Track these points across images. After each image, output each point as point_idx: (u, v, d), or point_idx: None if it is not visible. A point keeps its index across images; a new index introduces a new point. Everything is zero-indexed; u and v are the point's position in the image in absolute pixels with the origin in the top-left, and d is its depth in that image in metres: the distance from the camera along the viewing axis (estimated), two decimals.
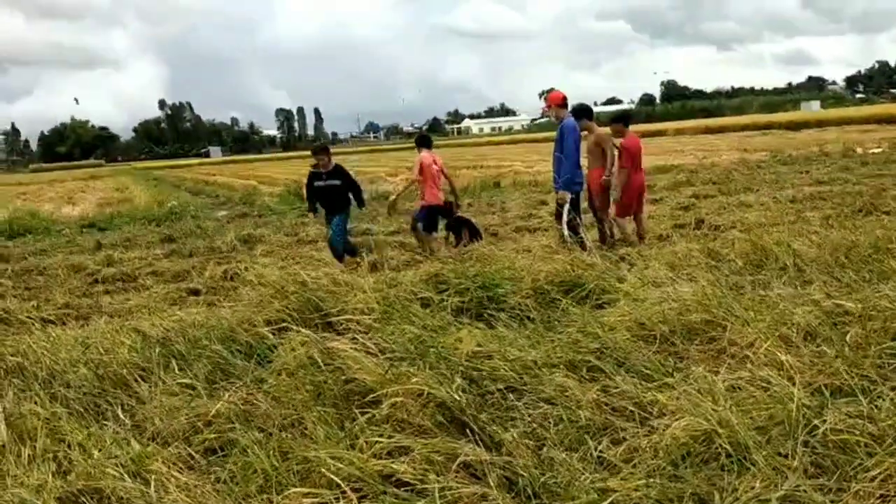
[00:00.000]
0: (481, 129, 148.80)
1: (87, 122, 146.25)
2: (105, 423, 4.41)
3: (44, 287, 10.59)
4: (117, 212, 21.30)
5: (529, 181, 21.58)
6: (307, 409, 4.18)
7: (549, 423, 3.85)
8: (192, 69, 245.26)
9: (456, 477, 3.30)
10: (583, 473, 3.35)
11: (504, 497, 3.14)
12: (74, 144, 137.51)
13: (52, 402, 4.65)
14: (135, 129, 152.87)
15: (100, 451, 3.90)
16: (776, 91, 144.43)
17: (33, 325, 6.45)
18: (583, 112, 9.65)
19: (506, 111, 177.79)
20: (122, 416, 4.46)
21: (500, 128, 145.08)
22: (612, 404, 4.02)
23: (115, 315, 8.09)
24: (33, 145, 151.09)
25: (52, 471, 3.75)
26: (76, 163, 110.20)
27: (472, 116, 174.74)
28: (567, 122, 9.07)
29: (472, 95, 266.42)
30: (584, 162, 9.49)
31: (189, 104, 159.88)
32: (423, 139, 11.48)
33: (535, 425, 3.84)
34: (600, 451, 3.57)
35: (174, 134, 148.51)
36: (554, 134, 9.62)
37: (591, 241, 8.61)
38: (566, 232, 8.81)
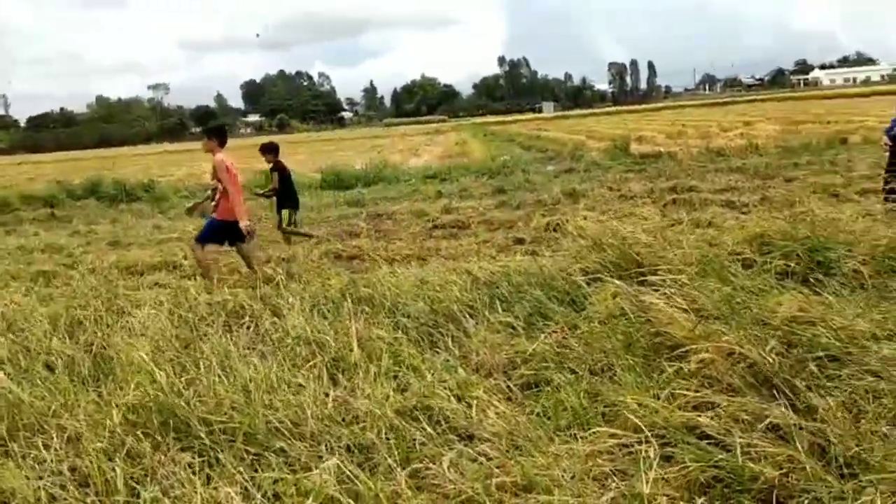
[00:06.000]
0: (833, 81, 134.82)
1: (435, 79, 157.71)
2: (437, 351, 4.96)
3: (392, 230, 11.84)
4: (455, 164, 22.83)
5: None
6: (617, 356, 4.35)
7: (871, 396, 3.63)
8: (531, 25, 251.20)
9: (762, 437, 3.28)
10: None
11: (812, 463, 3.07)
12: (421, 101, 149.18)
13: (394, 329, 5.33)
14: (475, 86, 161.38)
15: (432, 375, 4.42)
16: None
17: (382, 262, 7.31)
18: None
19: (865, 60, 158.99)
20: (451, 346, 4.97)
21: (854, 79, 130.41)
22: None
23: (450, 258, 8.86)
24: (387, 101, 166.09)
25: (393, 387, 4.33)
26: (422, 118, 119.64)
27: (822, 66, 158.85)
28: None
29: (823, 43, 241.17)
30: None
31: (526, 60, 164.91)
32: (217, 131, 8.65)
33: (855, 397, 3.64)
34: None
35: (511, 90, 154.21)
36: None
37: None
38: None
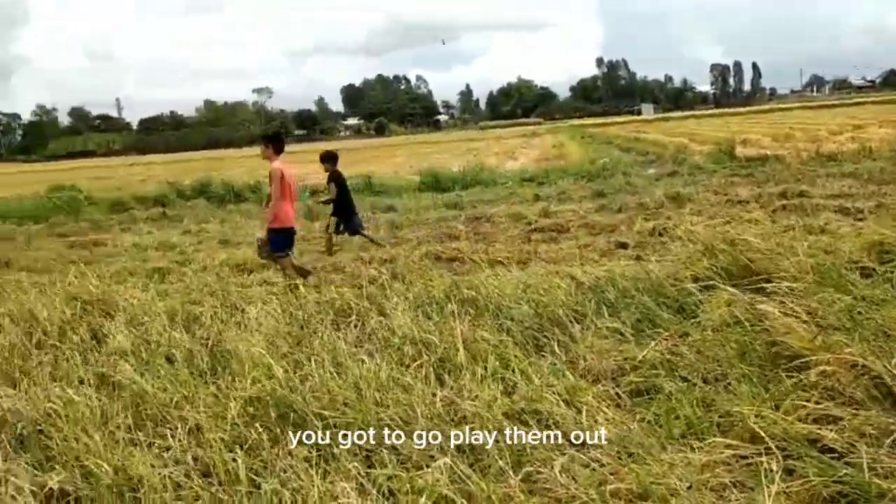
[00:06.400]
0: None
1: (532, 82, 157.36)
2: (542, 355, 4.95)
3: (490, 233, 11.87)
4: (553, 167, 22.69)
5: None
6: (731, 365, 4.25)
7: None
8: (630, 26, 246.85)
9: (889, 452, 3.14)
10: None
11: None
12: (517, 103, 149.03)
13: (498, 331, 5.35)
14: (572, 88, 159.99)
15: (539, 378, 4.41)
16: None
17: (483, 264, 7.34)
18: None
19: None
20: (557, 350, 4.95)
21: None
22: None
23: (550, 261, 8.81)
24: (482, 104, 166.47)
25: (500, 390, 4.35)
26: (518, 121, 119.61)
27: None
28: None
29: None
30: None
31: (624, 62, 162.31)
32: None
33: None
34: None
35: (609, 91, 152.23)
36: None
37: None
38: None
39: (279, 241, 8.25)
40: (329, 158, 11.02)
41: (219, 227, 15.80)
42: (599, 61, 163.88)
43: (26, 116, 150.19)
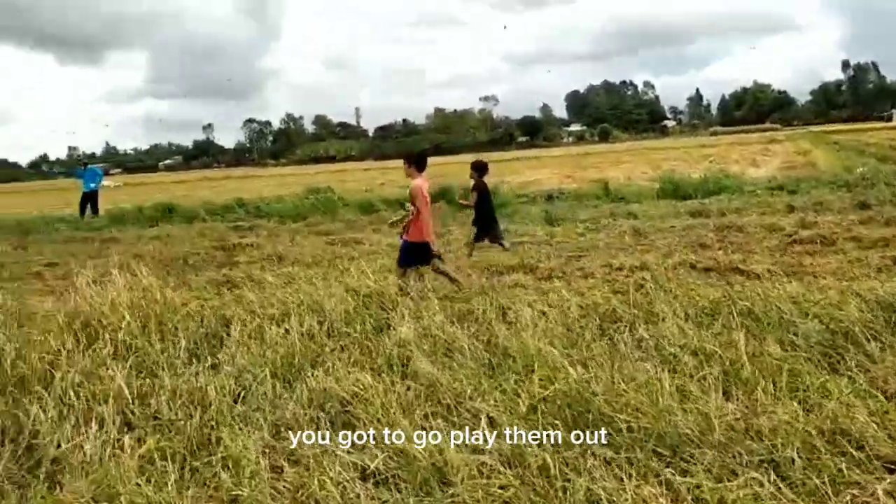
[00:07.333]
0: None
1: (769, 86, 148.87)
2: (838, 373, 4.69)
3: (743, 243, 11.36)
4: (802, 176, 21.32)
5: None
6: None
7: None
8: (880, 27, 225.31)
9: None
10: None
11: None
12: (751, 108, 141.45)
13: (783, 346, 5.13)
14: (812, 93, 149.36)
15: (840, 397, 4.19)
16: None
17: (765, 277, 7.05)
18: None
19: None
20: (854, 370, 4.67)
21: None
22: None
23: (819, 276, 8.29)
24: (713, 109, 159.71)
25: (795, 408, 4.17)
26: (752, 126, 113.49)
27: None
28: None
29: None
30: None
31: (874, 64, 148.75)
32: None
33: None
34: None
35: (854, 97, 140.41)
36: None
37: None
38: None
39: (412, 254, 8.72)
40: (478, 168, 11.58)
41: (461, 230, 16.29)
42: (845, 64, 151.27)
43: (276, 124, 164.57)
